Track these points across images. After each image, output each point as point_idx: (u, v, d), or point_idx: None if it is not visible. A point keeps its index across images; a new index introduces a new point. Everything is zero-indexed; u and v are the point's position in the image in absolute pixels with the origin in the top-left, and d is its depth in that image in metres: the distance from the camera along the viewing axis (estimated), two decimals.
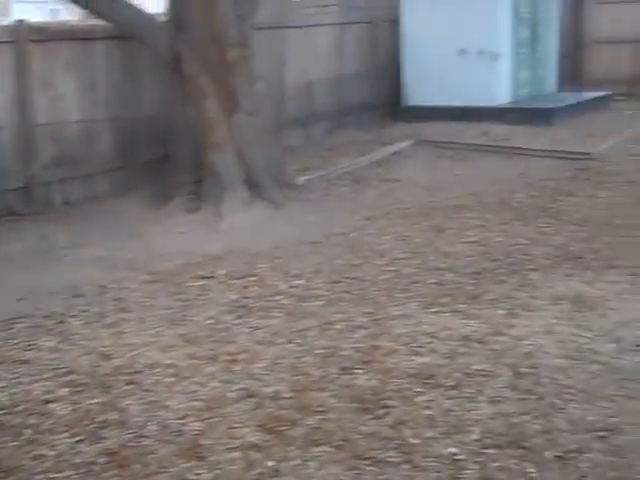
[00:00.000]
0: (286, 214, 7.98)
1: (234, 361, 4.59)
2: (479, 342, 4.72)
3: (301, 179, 9.16)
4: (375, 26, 13.10)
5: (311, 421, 3.85)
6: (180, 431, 3.82)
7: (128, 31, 8.53)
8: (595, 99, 13.77)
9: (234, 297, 5.69)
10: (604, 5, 15.40)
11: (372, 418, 3.87)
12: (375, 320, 5.13)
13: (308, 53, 11.55)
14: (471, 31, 12.38)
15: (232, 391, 4.21)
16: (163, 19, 8.61)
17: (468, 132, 11.42)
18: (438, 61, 12.57)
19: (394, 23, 13.16)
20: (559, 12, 14.30)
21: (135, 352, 4.76)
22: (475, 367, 4.38)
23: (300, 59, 11.34)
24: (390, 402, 4.01)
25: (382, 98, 13.07)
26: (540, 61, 13.80)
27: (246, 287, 5.90)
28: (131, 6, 8.70)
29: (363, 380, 4.28)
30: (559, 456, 3.50)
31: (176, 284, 6.03)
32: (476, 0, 12.40)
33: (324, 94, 11.99)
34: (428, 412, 3.91)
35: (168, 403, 4.10)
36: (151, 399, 4.15)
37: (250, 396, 4.14)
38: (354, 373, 4.36)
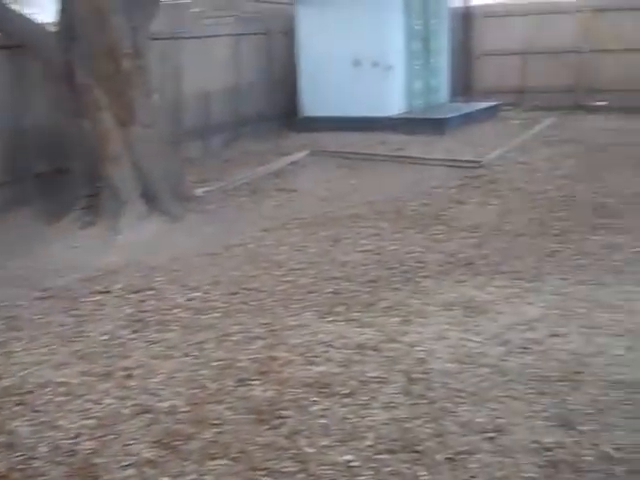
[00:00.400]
0: (184, 226, 7.93)
1: (129, 377, 4.54)
2: (374, 350, 4.81)
3: (199, 191, 9.12)
4: (271, 37, 13.20)
5: (207, 435, 3.85)
6: (72, 451, 3.75)
7: (18, 41, 8.31)
8: (485, 109, 14.25)
9: (130, 311, 5.63)
10: (491, 18, 15.95)
11: (268, 429, 3.90)
12: (272, 331, 5.16)
13: (205, 64, 11.51)
14: (365, 43, 12.62)
15: (127, 407, 4.16)
16: (54, 29, 8.42)
17: (364, 142, 11.61)
18: (333, 72, 12.76)
19: (290, 34, 13.29)
20: (450, 25, 14.74)
21: (25, 371, 4.64)
22: (369, 374, 4.46)
23: (197, 70, 11.29)
24: (286, 412, 4.05)
25: (278, 109, 13.16)
26: (433, 72, 14.18)
27: (143, 301, 5.84)
28: (21, 15, 8.49)
29: (260, 391, 4.30)
30: (450, 458, 3.61)
31: (70, 300, 5.91)
32: (370, 13, 12.64)
33: (221, 105, 11.97)
34: (323, 421, 3.96)
35: (60, 423, 4.02)
36: (42, 419, 4.06)
37: (145, 412, 4.11)
38: (251, 384, 4.38)
